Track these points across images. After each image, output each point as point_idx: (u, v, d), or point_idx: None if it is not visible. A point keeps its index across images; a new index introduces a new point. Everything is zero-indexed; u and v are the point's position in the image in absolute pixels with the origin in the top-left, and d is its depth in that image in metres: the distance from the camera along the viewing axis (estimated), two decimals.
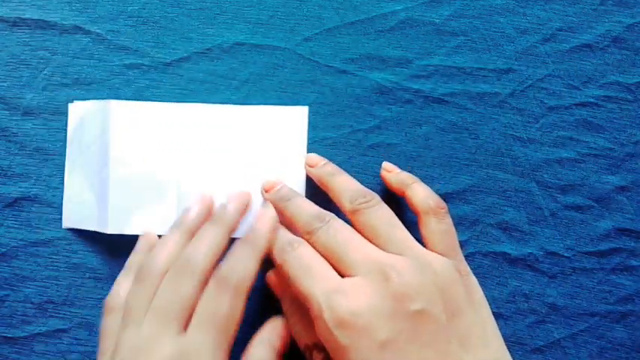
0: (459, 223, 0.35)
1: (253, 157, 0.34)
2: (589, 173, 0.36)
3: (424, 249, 0.29)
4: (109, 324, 0.29)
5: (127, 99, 0.35)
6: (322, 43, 0.36)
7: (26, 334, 0.33)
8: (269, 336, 0.30)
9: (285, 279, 0.29)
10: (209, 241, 0.29)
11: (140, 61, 0.36)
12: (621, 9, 0.38)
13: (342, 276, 0.28)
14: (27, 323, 0.34)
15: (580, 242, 0.36)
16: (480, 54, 0.37)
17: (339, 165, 0.34)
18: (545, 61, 0.37)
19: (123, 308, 0.29)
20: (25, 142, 0.35)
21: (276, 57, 0.36)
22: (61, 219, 0.34)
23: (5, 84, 0.35)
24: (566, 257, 0.35)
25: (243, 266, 0.28)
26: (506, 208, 0.36)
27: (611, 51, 0.37)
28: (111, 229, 0.33)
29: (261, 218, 0.31)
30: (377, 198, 0.30)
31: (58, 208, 0.34)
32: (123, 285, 0.30)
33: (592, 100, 0.37)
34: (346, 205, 0.30)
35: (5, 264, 0.34)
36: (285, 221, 0.31)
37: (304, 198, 0.32)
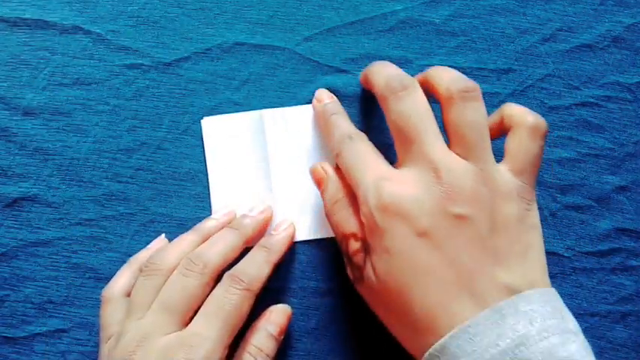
0: None
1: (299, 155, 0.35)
2: (589, 173, 0.36)
3: (494, 163, 0.27)
4: (107, 314, 0.30)
5: (126, 99, 0.35)
6: (322, 43, 0.36)
7: (26, 334, 0.33)
8: (267, 324, 0.31)
9: (340, 168, 0.30)
10: (223, 243, 0.31)
11: (140, 61, 0.36)
12: (621, 9, 0.38)
13: (399, 160, 0.28)
14: (27, 323, 0.34)
15: (580, 242, 0.36)
16: (480, 54, 0.37)
17: None
18: (545, 61, 0.37)
19: (120, 299, 0.30)
20: (25, 142, 0.35)
21: (276, 57, 0.36)
22: (60, 219, 0.34)
23: (5, 84, 0.35)
24: (566, 257, 0.35)
25: (257, 268, 0.30)
26: None
27: (611, 51, 0.37)
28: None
29: (282, 225, 0.33)
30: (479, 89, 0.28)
31: (58, 208, 0.34)
32: (122, 278, 0.32)
33: (592, 100, 0.37)
34: (452, 89, 0.27)
35: (5, 264, 0.34)
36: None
37: None
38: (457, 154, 0.27)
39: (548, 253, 0.35)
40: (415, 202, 0.26)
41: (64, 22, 0.36)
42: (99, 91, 0.36)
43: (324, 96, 0.34)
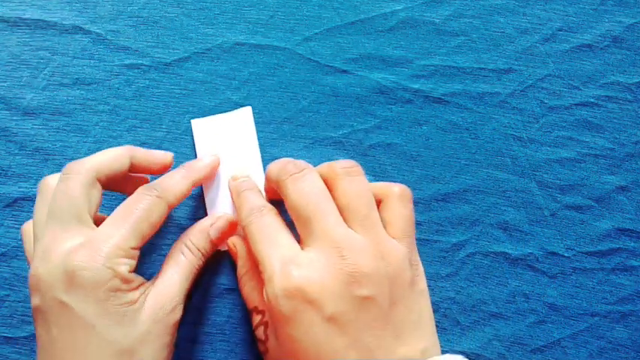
0: (459, 223, 0.35)
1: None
2: (589, 173, 0.36)
3: (385, 233, 0.29)
4: (25, 248, 0.30)
5: (126, 99, 0.35)
6: (322, 43, 0.36)
7: (26, 334, 0.33)
8: (210, 228, 0.32)
9: (247, 240, 0.30)
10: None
11: (140, 61, 0.36)
12: (621, 9, 0.38)
13: (302, 239, 0.29)
14: (27, 323, 0.34)
15: (580, 242, 0.36)
16: (480, 54, 0.37)
17: None
18: (545, 61, 0.37)
19: None
20: (25, 142, 0.35)
21: (276, 57, 0.36)
22: None
23: (5, 84, 0.35)
24: (566, 257, 0.35)
25: (173, 181, 0.30)
26: (506, 208, 0.36)
27: (611, 51, 0.37)
28: None
29: (210, 157, 0.33)
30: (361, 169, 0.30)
31: None
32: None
33: (592, 100, 0.37)
34: (336, 168, 0.30)
35: (5, 264, 0.34)
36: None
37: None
38: (352, 228, 0.28)
39: (549, 253, 0.35)
40: (322, 287, 0.26)
41: (64, 22, 0.36)
42: (99, 91, 0.36)
43: (238, 174, 0.34)
